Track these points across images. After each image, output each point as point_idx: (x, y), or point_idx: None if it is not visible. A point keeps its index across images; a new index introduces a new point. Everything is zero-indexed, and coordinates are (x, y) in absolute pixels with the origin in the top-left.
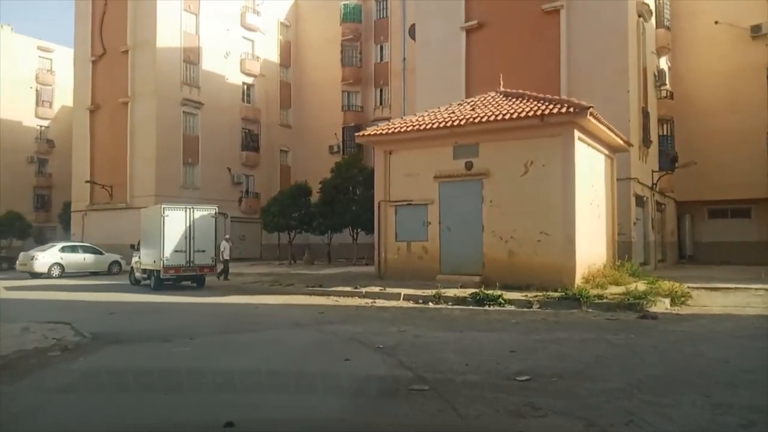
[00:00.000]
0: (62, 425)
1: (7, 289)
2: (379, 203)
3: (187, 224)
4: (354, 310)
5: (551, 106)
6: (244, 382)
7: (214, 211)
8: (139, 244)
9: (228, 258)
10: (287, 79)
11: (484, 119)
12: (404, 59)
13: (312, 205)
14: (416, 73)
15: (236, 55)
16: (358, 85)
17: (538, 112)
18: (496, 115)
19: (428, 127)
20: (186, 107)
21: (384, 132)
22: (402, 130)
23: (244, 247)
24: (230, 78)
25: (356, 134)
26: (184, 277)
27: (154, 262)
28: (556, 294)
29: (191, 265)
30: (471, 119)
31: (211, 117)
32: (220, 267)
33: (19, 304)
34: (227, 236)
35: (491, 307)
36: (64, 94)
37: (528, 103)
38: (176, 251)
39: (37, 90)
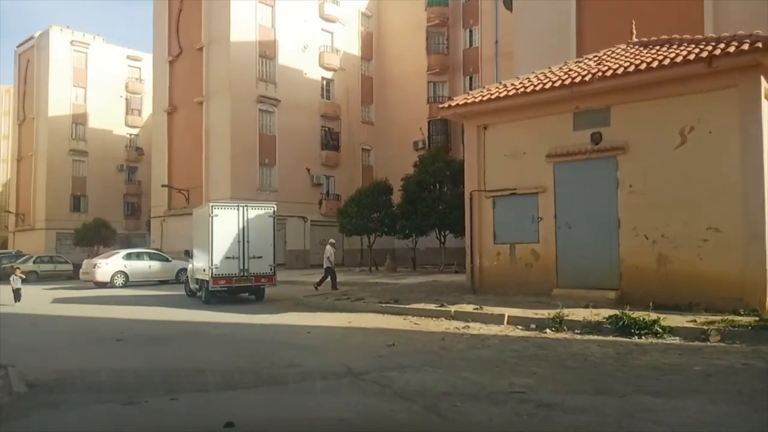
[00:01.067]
0: None
1: (54, 302)
2: (471, 194)
3: (240, 226)
4: (438, 342)
5: (721, 46)
6: None
7: (272, 210)
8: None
9: (332, 264)
10: (368, 73)
11: (619, 71)
12: (497, 42)
13: (394, 205)
14: (514, 47)
15: (314, 48)
16: (445, 73)
17: (702, 54)
18: (637, 65)
19: (538, 88)
20: (262, 105)
21: (478, 100)
22: (502, 95)
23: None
24: (308, 73)
25: (441, 106)
26: (238, 288)
27: (204, 271)
28: (743, 319)
29: (245, 274)
30: (599, 74)
31: (288, 115)
32: (323, 279)
33: (32, 322)
34: (332, 240)
35: (643, 339)
36: (151, 102)
37: (680, 49)
38: (227, 258)
39: (126, 99)
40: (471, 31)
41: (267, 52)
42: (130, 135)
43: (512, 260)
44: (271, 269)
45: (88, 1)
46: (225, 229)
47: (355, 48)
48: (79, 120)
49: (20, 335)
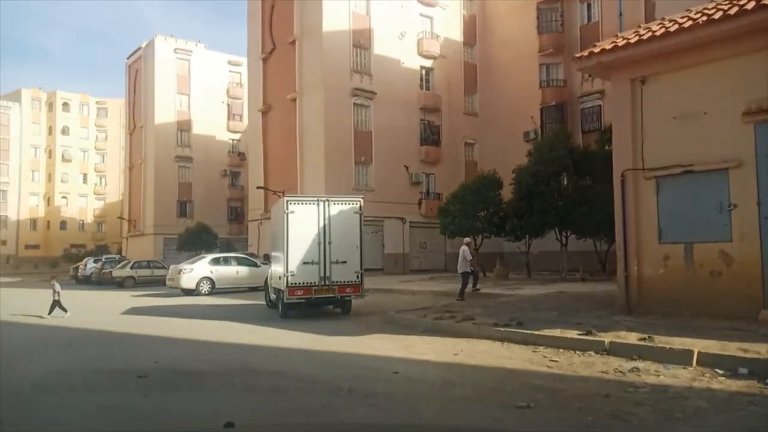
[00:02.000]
0: None
1: (124, 313)
2: (622, 176)
3: (321, 224)
4: (599, 402)
5: None
6: None
7: (358, 204)
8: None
9: (472, 266)
10: (472, 60)
11: None
12: (620, 14)
13: (503, 202)
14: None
15: (412, 35)
16: (560, 54)
17: None
18: None
19: (733, 12)
20: (357, 98)
21: (634, 41)
22: (672, 30)
23: (425, 256)
24: (406, 62)
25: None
26: (318, 300)
27: (280, 279)
28: None
29: (327, 283)
30: None
31: (384, 108)
32: (464, 288)
33: (68, 341)
34: (467, 239)
35: None
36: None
37: None
38: (305, 264)
39: (228, 104)
40: (589, 5)
41: (361, 41)
42: (232, 140)
43: (688, 267)
44: (357, 277)
45: (189, 9)
46: (303, 228)
47: (456, 33)
48: (183, 127)
49: (28, 359)
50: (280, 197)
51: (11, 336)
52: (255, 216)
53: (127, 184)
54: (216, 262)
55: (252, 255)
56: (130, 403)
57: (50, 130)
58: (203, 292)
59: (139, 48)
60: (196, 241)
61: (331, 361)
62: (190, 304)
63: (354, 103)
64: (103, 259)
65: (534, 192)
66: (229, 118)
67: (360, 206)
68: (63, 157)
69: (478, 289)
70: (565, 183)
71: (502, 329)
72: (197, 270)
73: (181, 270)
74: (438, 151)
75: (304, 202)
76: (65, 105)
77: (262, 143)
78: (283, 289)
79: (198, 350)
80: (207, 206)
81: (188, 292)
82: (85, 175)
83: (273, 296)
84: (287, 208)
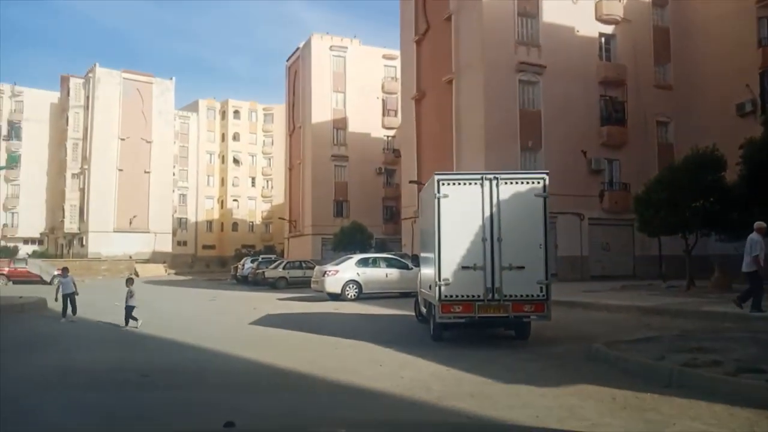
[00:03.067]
0: None
1: (253, 323)
2: None
3: (487, 212)
4: None
5: None
6: None
7: (540, 183)
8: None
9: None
10: (663, 22)
11: None
12: None
13: (727, 188)
14: None
15: None
16: None
17: None
18: None
19: None
20: (522, 74)
21: None
22: None
23: (608, 260)
24: (581, 29)
25: None
26: (483, 320)
27: (430, 288)
28: None
29: (495, 297)
30: None
31: (556, 84)
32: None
33: (145, 373)
34: (759, 223)
35: None
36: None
37: None
38: (464, 268)
39: (383, 99)
40: None
41: (528, 8)
42: (387, 137)
43: None
44: (541, 290)
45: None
46: (460, 218)
47: None
48: (339, 125)
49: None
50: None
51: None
52: (408, 214)
53: (288, 185)
54: (363, 263)
55: (403, 255)
56: None
57: (223, 137)
58: (349, 297)
59: (297, 49)
60: (351, 240)
61: None
62: (331, 313)
63: (520, 80)
64: (260, 259)
65: None
66: (384, 114)
67: (544, 186)
68: (234, 162)
69: (761, 310)
70: None
71: None
72: (342, 272)
73: (325, 272)
74: (623, 133)
75: (462, 182)
76: (236, 113)
77: (416, 134)
78: (434, 302)
79: (319, 401)
80: (362, 205)
81: (333, 297)
82: (253, 178)
83: (423, 308)
84: (438, 191)
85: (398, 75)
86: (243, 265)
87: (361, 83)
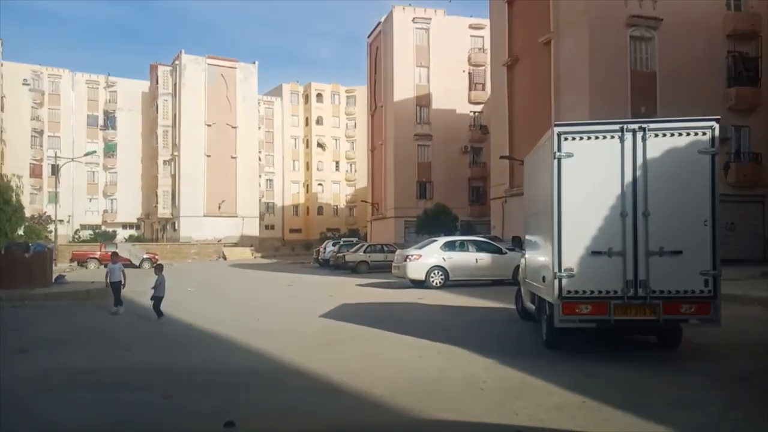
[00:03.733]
0: None
1: (324, 316)
2: None
3: (627, 177)
4: None
5: None
6: None
7: (708, 135)
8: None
9: None
10: None
11: None
12: None
13: None
14: None
15: None
16: None
17: None
18: None
19: None
20: (634, 29)
21: None
22: None
23: (733, 241)
24: None
25: None
26: (622, 324)
27: (544, 279)
28: None
29: (639, 293)
30: None
31: (674, 39)
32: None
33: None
34: None
35: None
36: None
37: None
38: (594, 254)
39: (469, 72)
40: None
41: None
42: (474, 113)
43: None
44: (707, 284)
45: None
46: (589, 185)
47: None
48: (422, 102)
49: None
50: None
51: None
52: (498, 193)
53: (370, 166)
54: (450, 246)
55: (494, 239)
56: None
57: (306, 121)
58: (434, 284)
59: (379, 23)
60: (435, 223)
61: None
62: (413, 304)
63: (631, 36)
64: (341, 243)
65: None
66: (470, 89)
67: (713, 138)
68: (318, 146)
69: None
70: None
71: None
72: (426, 257)
73: (407, 256)
74: (755, 94)
75: (593, 135)
76: (319, 96)
77: (507, 104)
78: (551, 299)
79: None
80: (447, 186)
81: (417, 284)
82: (337, 162)
83: (530, 304)
84: (559, 148)
85: (486, 45)
86: (324, 248)
87: (446, 56)
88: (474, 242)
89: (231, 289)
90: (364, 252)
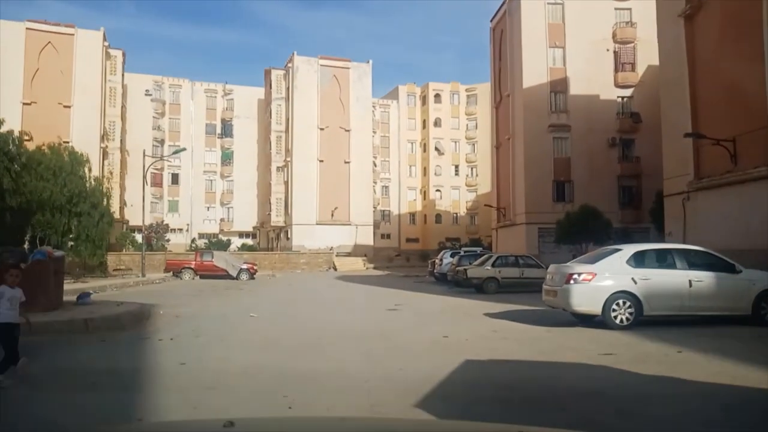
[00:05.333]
0: None
1: (426, 398)
2: None
3: None
4: None
5: None
6: None
7: None
8: None
9: None
10: None
11: None
12: None
13: None
14: None
15: None
16: None
17: None
18: None
19: None
20: None
21: None
22: None
23: None
24: None
25: None
26: None
27: None
28: None
29: None
30: None
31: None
32: None
33: None
34: None
35: None
36: (649, 50)
37: None
38: None
39: (615, 51)
40: None
41: None
42: (622, 98)
43: None
44: None
45: None
46: None
47: None
48: (557, 87)
49: None
50: (729, 151)
51: None
52: (674, 188)
53: (494, 165)
54: (643, 260)
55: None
56: None
57: (424, 124)
58: (617, 322)
59: (503, 2)
60: (581, 230)
61: None
62: (598, 368)
63: None
64: (462, 253)
65: None
66: (616, 70)
67: None
68: (436, 149)
69: None
70: None
71: None
72: (604, 277)
73: (571, 275)
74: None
75: None
76: (437, 96)
77: (687, 66)
78: None
79: None
80: (591, 187)
81: (584, 319)
82: (456, 167)
83: None
84: None
85: (634, 18)
86: (441, 259)
87: (585, 34)
88: (683, 253)
89: (308, 315)
90: (493, 266)
